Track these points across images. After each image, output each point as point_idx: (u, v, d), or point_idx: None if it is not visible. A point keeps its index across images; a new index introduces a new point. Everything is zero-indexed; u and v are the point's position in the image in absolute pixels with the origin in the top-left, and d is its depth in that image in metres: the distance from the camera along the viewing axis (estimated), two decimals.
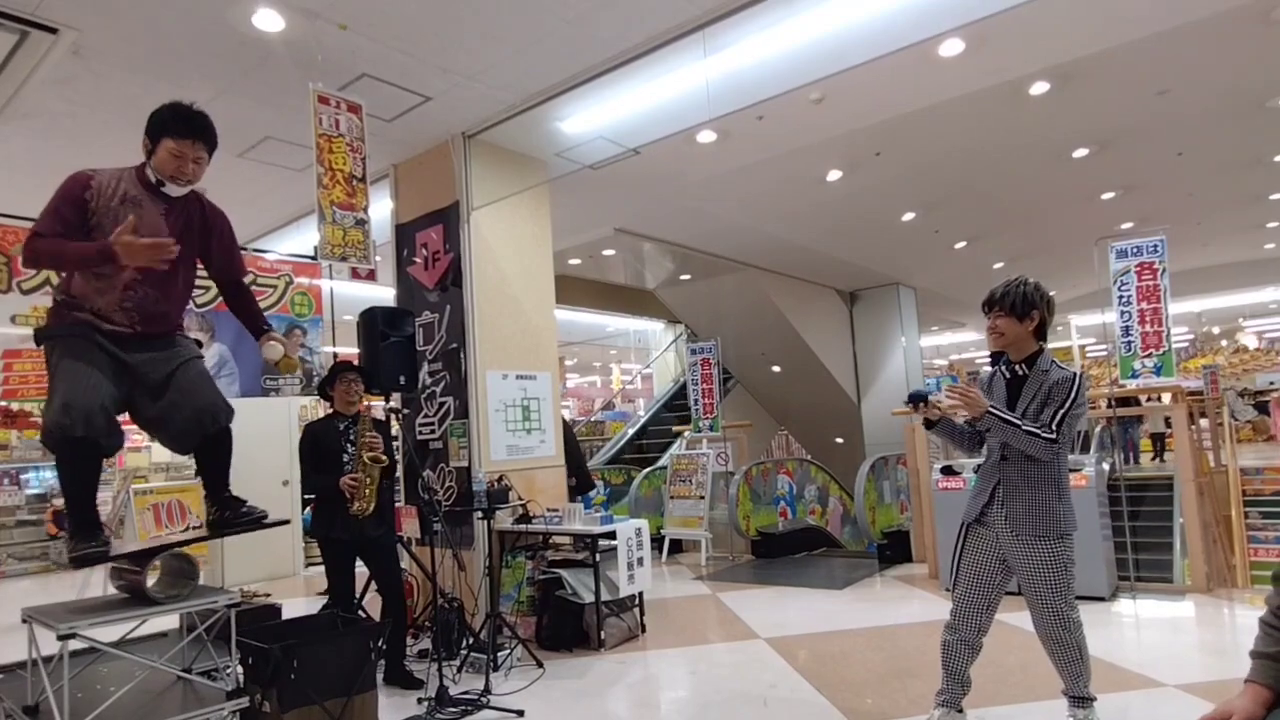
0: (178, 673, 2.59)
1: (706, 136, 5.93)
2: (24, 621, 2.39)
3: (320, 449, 4.10)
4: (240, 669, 2.66)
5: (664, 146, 5.39)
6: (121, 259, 2.26)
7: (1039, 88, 5.59)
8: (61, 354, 2.37)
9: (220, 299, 5.02)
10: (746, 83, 4.55)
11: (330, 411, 4.25)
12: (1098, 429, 9.13)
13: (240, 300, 2.87)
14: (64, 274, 2.51)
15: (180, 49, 4.18)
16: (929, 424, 2.97)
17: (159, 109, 2.48)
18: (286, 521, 2.81)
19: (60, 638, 2.17)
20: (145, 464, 10.68)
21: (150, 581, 2.41)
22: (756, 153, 6.42)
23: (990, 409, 2.70)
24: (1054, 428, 2.72)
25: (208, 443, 2.65)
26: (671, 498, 8.13)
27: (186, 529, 6.86)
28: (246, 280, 2.96)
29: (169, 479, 9.71)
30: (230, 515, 2.67)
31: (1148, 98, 5.97)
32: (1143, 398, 9.63)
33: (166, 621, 3.29)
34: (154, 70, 4.31)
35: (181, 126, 2.44)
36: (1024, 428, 2.70)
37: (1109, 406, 6.91)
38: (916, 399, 2.94)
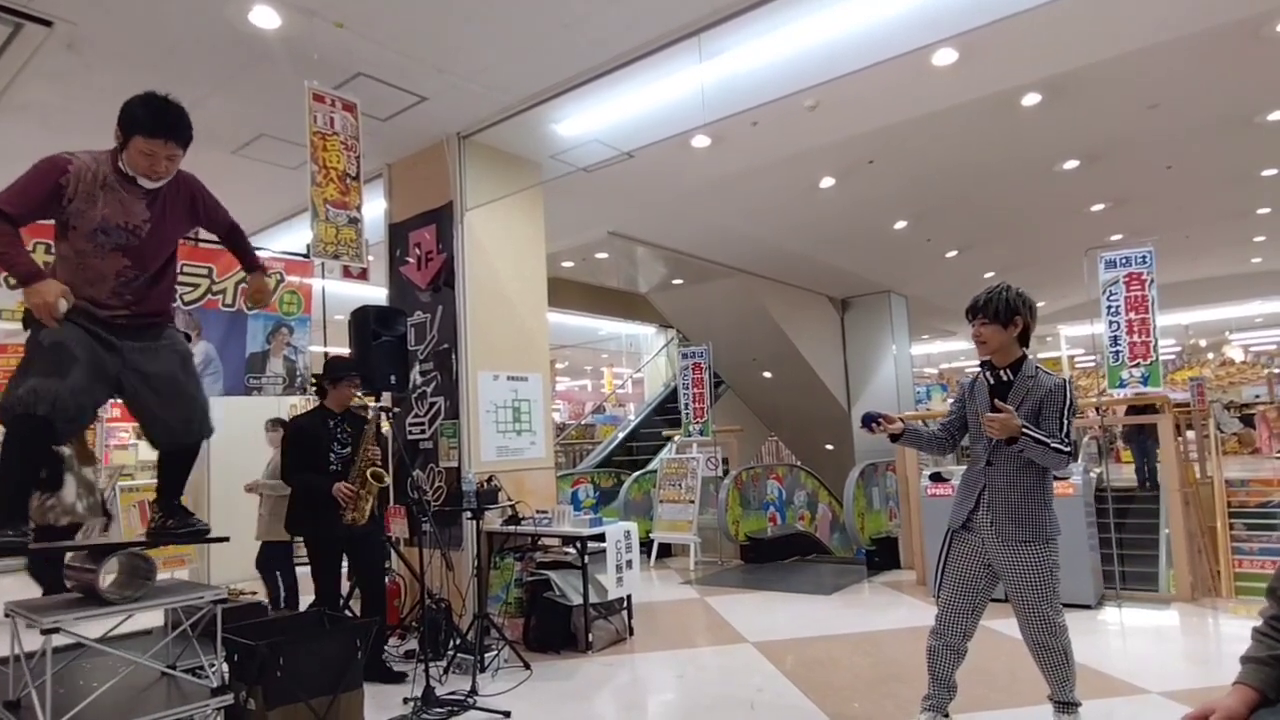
0: (162, 669, 2.57)
1: (701, 141, 5.95)
2: (6, 616, 2.37)
3: (307, 444, 4.09)
4: (226, 666, 2.64)
5: (658, 151, 5.41)
6: (29, 300, 2.25)
7: (1031, 99, 5.65)
8: (44, 336, 2.33)
9: (208, 297, 5.03)
10: (741, 88, 4.57)
11: (319, 406, 4.25)
12: (1085, 438, 9.20)
13: (237, 241, 2.84)
14: (51, 266, 2.48)
15: (176, 44, 4.17)
16: (894, 438, 3.01)
17: (131, 101, 2.39)
18: (226, 538, 2.79)
19: (44, 632, 2.15)
20: (132, 461, 10.62)
21: (105, 581, 2.38)
22: (750, 159, 6.45)
23: (1023, 429, 2.69)
24: (1065, 438, 2.75)
25: (179, 450, 2.65)
26: (661, 501, 8.13)
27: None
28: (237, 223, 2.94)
29: (154, 477, 9.67)
30: (173, 524, 2.65)
31: (1138, 111, 6.03)
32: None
33: (151, 618, 3.27)
34: (149, 65, 4.30)
35: (152, 125, 2.36)
36: (1051, 445, 2.71)
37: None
38: (868, 421, 2.98)
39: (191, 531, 2.67)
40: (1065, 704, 2.87)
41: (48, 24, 3.86)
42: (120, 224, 2.42)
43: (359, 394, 4.42)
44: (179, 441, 2.58)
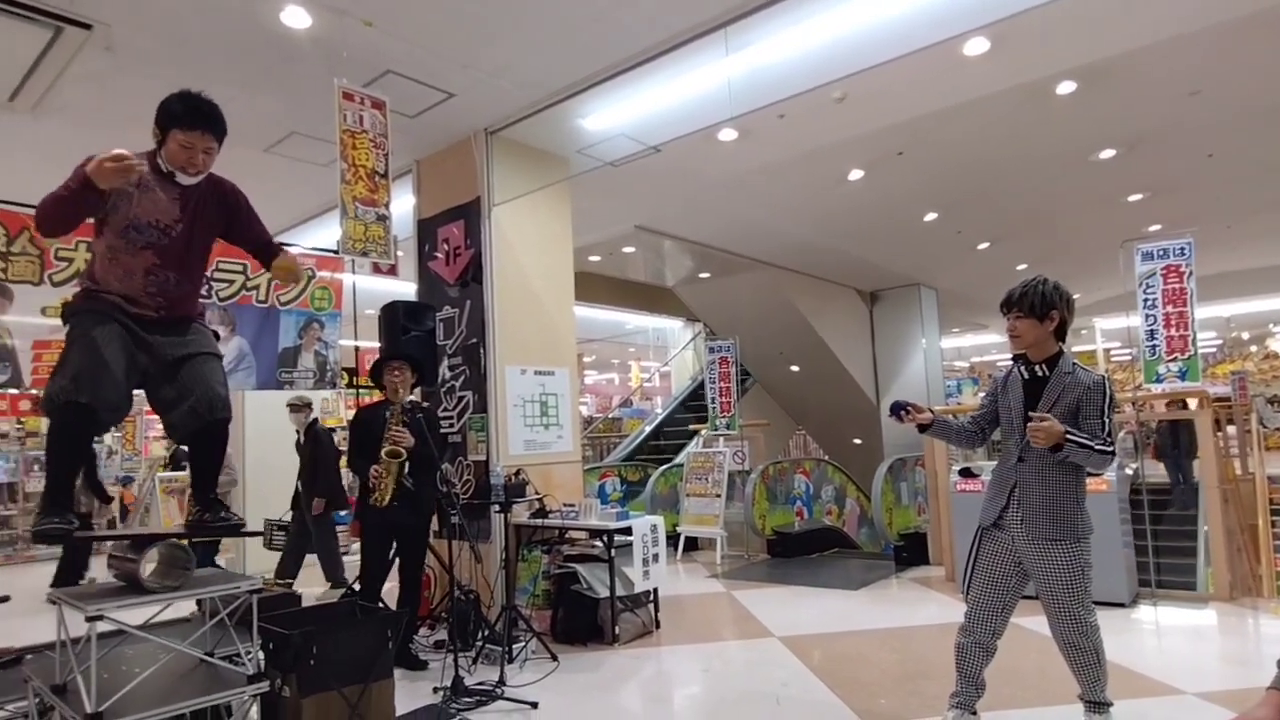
0: (200, 656, 2.64)
1: (728, 135, 5.92)
2: (52, 603, 2.45)
3: (364, 433, 4.28)
4: (261, 654, 2.71)
5: (685, 144, 5.38)
6: (97, 182, 2.27)
7: (1065, 88, 5.52)
8: (81, 329, 2.42)
9: (242, 293, 5.13)
10: (768, 81, 4.54)
11: (382, 399, 4.42)
12: (1120, 433, 9.01)
13: (266, 254, 2.86)
14: (89, 262, 2.56)
15: (209, 44, 4.25)
16: (922, 428, 2.97)
17: (168, 99, 2.48)
18: (261, 532, 2.86)
19: (88, 619, 2.22)
20: (169, 453, 10.85)
21: (145, 570, 2.45)
22: (777, 151, 6.40)
23: (1067, 435, 2.64)
24: (1108, 439, 2.70)
25: (203, 434, 2.66)
26: (687, 495, 8.14)
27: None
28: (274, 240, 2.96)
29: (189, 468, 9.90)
30: (209, 518, 2.71)
31: (1178, 98, 5.87)
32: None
33: (190, 606, 3.36)
34: (183, 65, 4.39)
35: (190, 118, 2.45)
36: (1095, 447, 2.66)
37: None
38: (896, 409, 2.94)
39: (227, 525, 2.74)
40: (1097, 704, 2.83)
41: (87, 27, 3.95)
42: (151, 222, 2.49)
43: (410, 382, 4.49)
44: (203, 419, 2.58)
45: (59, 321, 2.60)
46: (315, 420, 6.43)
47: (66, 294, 4.30)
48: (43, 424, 10.20)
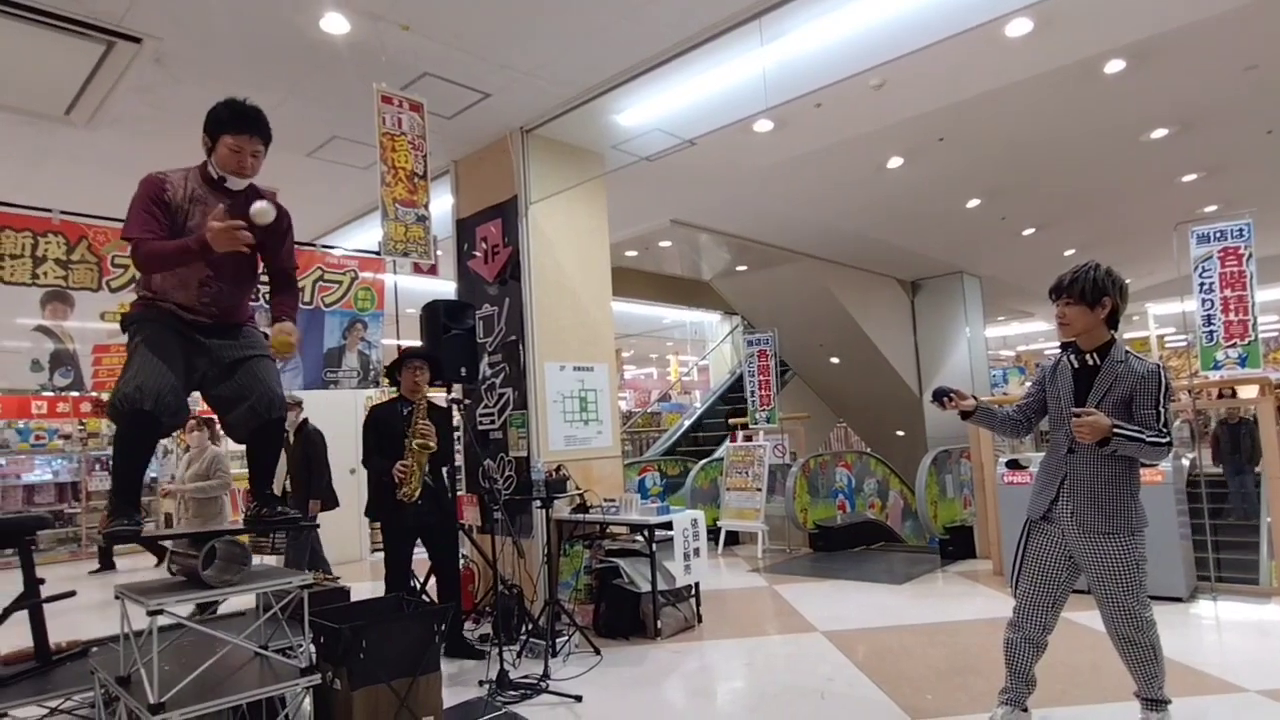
0: (255, 649, 2.72)
1: (763, 126, 5.86)
2: (116, 598, 2.55)
3: (382, 431, 4.32)
4: (313, 647, 2.78)
5: (720, 137, 5.35)
6: (214, 246, 2.38)
7: (1114, 66, 5.34)
8: (142, 338, 2.54)
9: None
10: (804, 70, 4.48)
11: (396, 396, 4.43)
12: (1177, 421, 8.72)
13: (284, 290, 2.87)
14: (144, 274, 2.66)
15: (253, 53, 4.36)
16: (965, 415, 2.91)
17: (215, 107, 2.59)
18: (317, 525, 2.95)
19: (150, 613, 2.31)
20: (223, 451, 11.17)
21: (205, 567, 2.53)
22: (815, 141, 6.32)
23: (1114, 429, 2.57)
24: (1164, 429, 2.61)
25: (261, 432, 2.76)
26: (728, 489, 8.11)
27: None
28: (295, 273, 2.97)
29: (243, 468, 10.20)
30: (267, 512, 2.82)
31: (1234, 73, 5.64)
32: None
33: (244, 601, 3.47)
34: (228, 74, 4.51)
35: (238, 123, 2.56)
36: (1147, 439, 2.58)
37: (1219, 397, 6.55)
38: (939, 396, 2.89)
39: (285, 519, 2.84)
40: (1154, 701, 2.75)
41: (137, 40, 4.09)
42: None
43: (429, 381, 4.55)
44: (261, 418, 2.69)
45: (117, 326, 2.71)
46: (306, 420, 6.17)
47: (123, 299, 4.46)
48: (103, 425, 10.63)
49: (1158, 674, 2.73)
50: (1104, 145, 7.01)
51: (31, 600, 2.93)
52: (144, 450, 2.63)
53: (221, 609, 4.06)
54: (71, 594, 3.19)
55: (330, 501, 6.16)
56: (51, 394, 9.68)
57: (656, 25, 4.28)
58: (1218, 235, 5.37)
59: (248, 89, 3.01)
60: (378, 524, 4.54)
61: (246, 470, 2.86)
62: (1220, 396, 7.07)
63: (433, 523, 4.36)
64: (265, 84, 4.62)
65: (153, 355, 2.48)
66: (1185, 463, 5.40)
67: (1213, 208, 9.05)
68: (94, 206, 4.58)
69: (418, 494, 4.17)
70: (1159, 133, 6.73)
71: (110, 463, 2.68)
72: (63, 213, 4.39)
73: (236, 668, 2.65)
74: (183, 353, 2.56)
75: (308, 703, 2.79)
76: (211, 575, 2.52)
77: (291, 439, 6.27)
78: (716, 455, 9.41)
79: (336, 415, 8.33)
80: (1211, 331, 5.41)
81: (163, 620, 2.36)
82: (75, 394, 9.02)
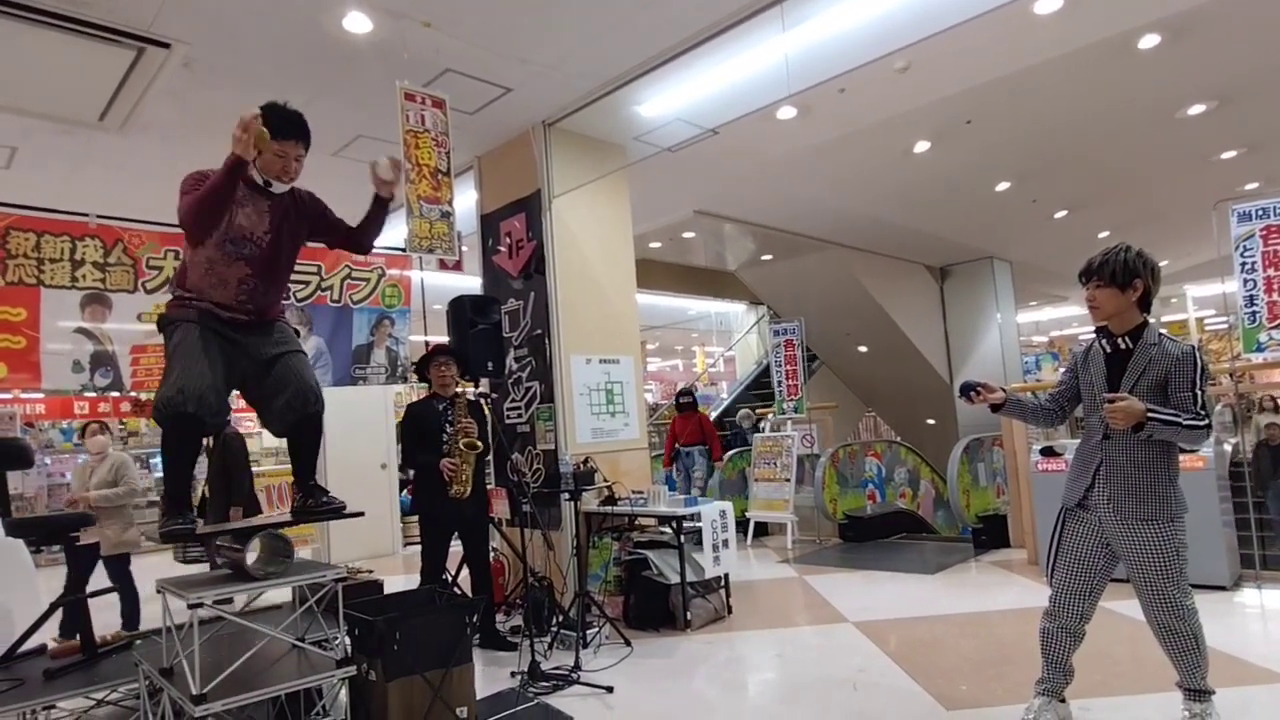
0: (292, 641, 2.77)
1: (786, 113, 5.80)
2: (158, 592, 2.62)
3: (421, 428, 4.39)
4: (348, 640, 2.83)
5: (743, 125, 5.30)
6: (239, 152, 2.40)
7: (1149, 41, 5.20)
8: (180, 338, 2.58)
9: (318, 294, 5.32)
10: (827, 55, 4.43)
11: (430, 393, 4.50)
12: (1219, 406, 8.49)
13: (365, 229, 3.00)
14: (180, 271, 2.72)
15: (278, 55, 4.41)
16: (995, 408, 2.87)
17: (259, 112, 2.59)
18: (361, 513, 2.99)
19: (190, 607, 2.37)
20: (257, 448, 11.38)
21: (250, 559, 2.58)
22: (839, 127, 6.24)
23: (1149, 413, 2.51)
24: (1201, 412, 2.54)
25: (301, 425, 2.80)
26: (756, 480, 8.08)
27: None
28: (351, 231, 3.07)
29: (278, 463, 10.36)
30: (312, 503, 2.86)
31: (1276, 45, 5.45)
32: None
33: (281, 595, 3.53)
34: (255, 77, 4.57)
35: (283, 128, 2.59)
36: (1183, 422, 2.52)
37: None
38: (966, 390, 2.86)
39: (331, 509, 2.88)
40: (1197, 692, 2.69)
41: (166, 46, 4.16)
42: (246, 235, 2.65)
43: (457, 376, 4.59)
44: (300, 413, 2.74)
45: (154, 327, 2.76)
46: (228, 422, 5.24)
47: (159, 300, 4.56)
48: (142, 424, 10.88)
49: (1200, 664, 2.67)
50: (1138, 123, 6.83)
51: (76, 595, 3.02)
52: (191, 451, 2.68)
53: (258, 603, 4.15)
54: (115, 590, 3.29)
55: (252, 507, 5.25)
56: (93, 394, 9.93)
57: (676, 15, 4.25)
58: (1260, 213, 5.21)
59: (275, 90, 3.05)
60: (413, 517, 4.62)
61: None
62: (1263, 410, 6.79)
63: (470, 516, 4.43)
64: (291, 85, 4.67)
65: (193, 357, 2.53)
66: (1228, 448, 5.26)
67: (1254, 185, 8.79)
68: (129, 211, 4.69)
69: (469, 491, 4.24)
70: (1196, 109, 6.53)
71: (161, 463, 2.73)
72: (99, 217, 4.50)
73: (275, 659, 2.71)
74: (221, 352, 2.61)
75: (344, 694, 2.84)
76: (256, 567, 2.58)
77: (210, 441, 5.30)
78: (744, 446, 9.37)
79: (364, 414, 8.46)
80: (1255, 313, 5.25)
81: (203, 613, 2.41)
82: (115, 394, 9.23)
